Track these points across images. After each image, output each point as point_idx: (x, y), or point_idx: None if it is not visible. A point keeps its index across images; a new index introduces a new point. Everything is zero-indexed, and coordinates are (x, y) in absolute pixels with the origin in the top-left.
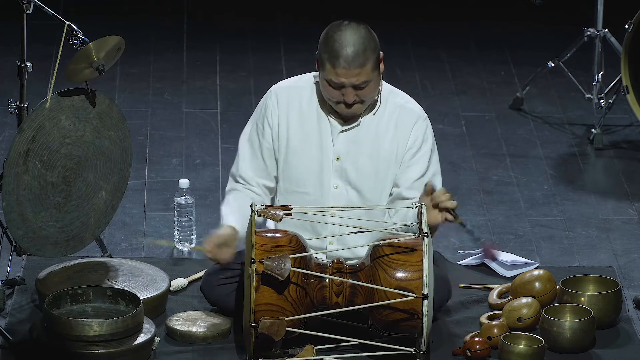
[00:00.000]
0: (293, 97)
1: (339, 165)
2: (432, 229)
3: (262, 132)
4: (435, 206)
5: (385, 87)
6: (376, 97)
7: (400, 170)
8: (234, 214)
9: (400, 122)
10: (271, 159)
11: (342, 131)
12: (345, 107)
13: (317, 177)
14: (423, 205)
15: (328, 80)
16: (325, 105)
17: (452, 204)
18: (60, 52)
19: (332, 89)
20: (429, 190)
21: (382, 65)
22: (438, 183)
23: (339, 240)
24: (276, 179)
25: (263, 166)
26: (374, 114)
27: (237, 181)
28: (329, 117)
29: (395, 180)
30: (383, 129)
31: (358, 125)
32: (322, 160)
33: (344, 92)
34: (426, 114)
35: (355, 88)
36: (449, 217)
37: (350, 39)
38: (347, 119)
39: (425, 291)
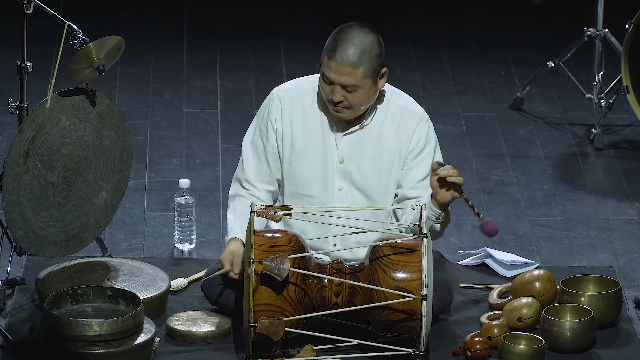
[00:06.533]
0: (296, 100)
1: (342, 167)
2: (444, 209)
3: (266, 135)
4: (442, 181)
5: (387, 89)
6: (369, 105)
7: (403, 171)
8: (241, 225)
9: (402, 124)
10: (275, 162)
11: (346, 134)
12: (333, 105)
13: (322, 180)
14: (423, 206)
15: (322, 74)
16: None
17: (458, 179)
18: (60, 52)
19: (324, 84)
20: (435, 167)
21: (382, 81)
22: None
23: (342, 242)
24: (279, 182)
25: (267, 170)
26: (369, 120)
27: (242, 186)
28: (332, 119)
29: (399, 181)
30: (385, 130)
31: (361, 128)
32: (326, 162)
33: (333, 89)
34: (428, 115)
35: (343, 88)
36: (455, 193)
37: (353, 38)
38: (350, 122)
39: (424, 292)
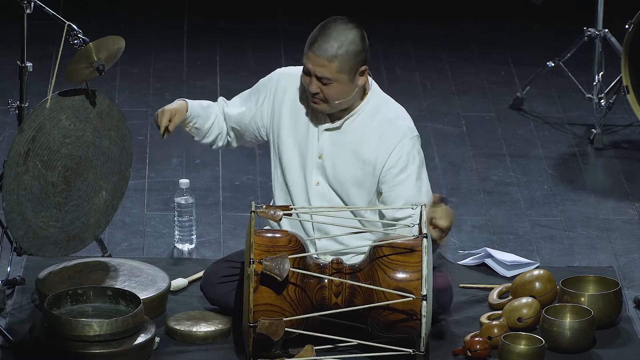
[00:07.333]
0: (293, 85)
1: (320, 162)
2: (434, 242)
3: (256, 102)
4: (430, 221)
5: (381, 97)
6: (347, 101)
7: (388, 189)
8: (198, 103)
9: (385, 136)
10: (250, 124)
11: (327, 130)
12: (311, 97)
13: (301, 172)
14: (423, 206)
15: (303, 63)
16: None
17: (442, 223)
18: (60, 52)
19: (304, 74)
20: (435, 200)
21: (361, 78)
22: (428, 203)
23: (325, 234)
24: (238, 132)
25: (241, 115)
26: (351, 121)
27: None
28: (317, 112)
29: (384, 199)
30: (368, 137)
31: (339, 128)
32: (306, 154)
33: (311, 80)
34: (417, 133)
35: (319, 80)
36: (435, 235)
37: (335, 32)
38: (333, 118)
39: (424, 292)
